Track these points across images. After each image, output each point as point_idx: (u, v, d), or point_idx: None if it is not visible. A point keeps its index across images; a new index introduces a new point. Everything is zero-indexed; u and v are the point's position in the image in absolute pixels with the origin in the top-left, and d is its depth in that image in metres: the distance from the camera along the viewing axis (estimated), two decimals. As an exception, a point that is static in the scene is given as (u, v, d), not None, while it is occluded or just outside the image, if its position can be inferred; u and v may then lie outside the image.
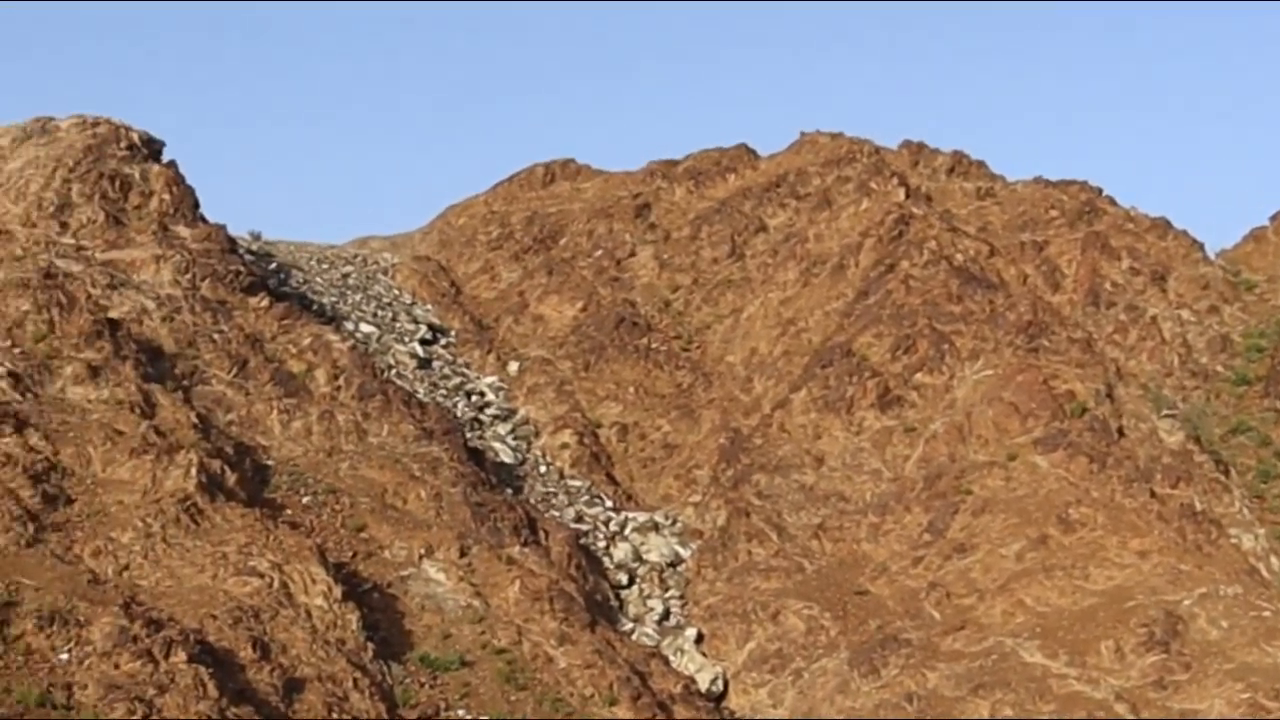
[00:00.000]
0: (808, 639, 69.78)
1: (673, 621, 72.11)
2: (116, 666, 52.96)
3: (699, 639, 70.96)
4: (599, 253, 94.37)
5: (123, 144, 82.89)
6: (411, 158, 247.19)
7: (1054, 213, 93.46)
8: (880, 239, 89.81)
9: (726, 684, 69.20)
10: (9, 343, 67.37)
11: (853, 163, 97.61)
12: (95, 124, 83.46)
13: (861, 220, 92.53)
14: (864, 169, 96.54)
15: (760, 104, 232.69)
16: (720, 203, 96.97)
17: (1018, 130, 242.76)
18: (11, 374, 65.43)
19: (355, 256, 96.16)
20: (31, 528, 58.62)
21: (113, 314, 71.89)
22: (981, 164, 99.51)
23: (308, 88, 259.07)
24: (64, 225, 78.24)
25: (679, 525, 77.98)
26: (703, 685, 67.69)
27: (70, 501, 60.98)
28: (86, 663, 52.94)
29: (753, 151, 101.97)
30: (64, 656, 52.90)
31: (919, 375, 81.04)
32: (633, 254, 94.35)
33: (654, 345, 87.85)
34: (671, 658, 68.77)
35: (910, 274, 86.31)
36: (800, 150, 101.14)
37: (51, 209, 78.59)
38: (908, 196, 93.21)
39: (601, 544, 75.57)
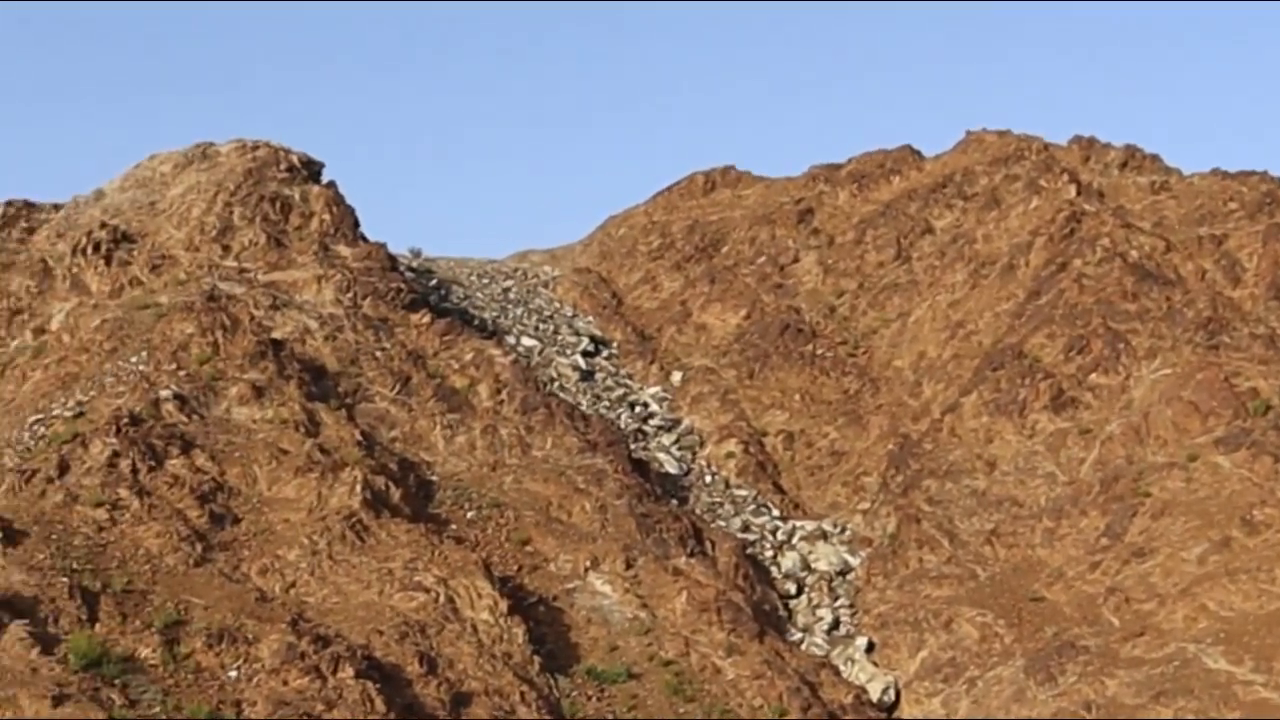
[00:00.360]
0: (982, 647, 69.11)
1: (842, 631, 71.92)
2: (285, 683, 54.24)
3: (870, 648, 70.67)
4: (761, 259, 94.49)
5: (282, 166, 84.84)
6: (571, 170, 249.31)
7: (1233, 205, 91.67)
8: (1051, 237, 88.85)
9: (898, 694, 68.80)
10: (175, 365, 69.27)
11: (1021, 160, 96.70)
12: (255, 147, 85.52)
13: (1031, 219, 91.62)
14: (1033, 166, 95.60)
15: (925, 104, 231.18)
16: (885, 205, 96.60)
17: (1193, 123, 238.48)
18: (178, 396, 67.28)
19: (515, 270, 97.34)
20: (199, 547, 60.26)
21: (276, 334, 73.59)
22: (1155, 157, 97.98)
23: (464, 103, 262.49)
24: (226, 248, 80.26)
25: (848, 533, 77.77)
26: (874, 695, 67.40)
27: (237, 521, 62.55)
28: (255, 680, 54.28)
29: (917, 152, 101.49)
30: (233, 674, 54.29)
31: (1094, 376, 79.99)
32: (796, 260, 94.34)
33: (819, 351, 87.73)
34: (842, 668, 68.57)
35: (1083, 272, 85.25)
36: (966, 149, 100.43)
37: (214, 233, 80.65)
38: (1079, 193, 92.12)
39: (769, 553, 75.63)
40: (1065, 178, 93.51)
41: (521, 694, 58.14)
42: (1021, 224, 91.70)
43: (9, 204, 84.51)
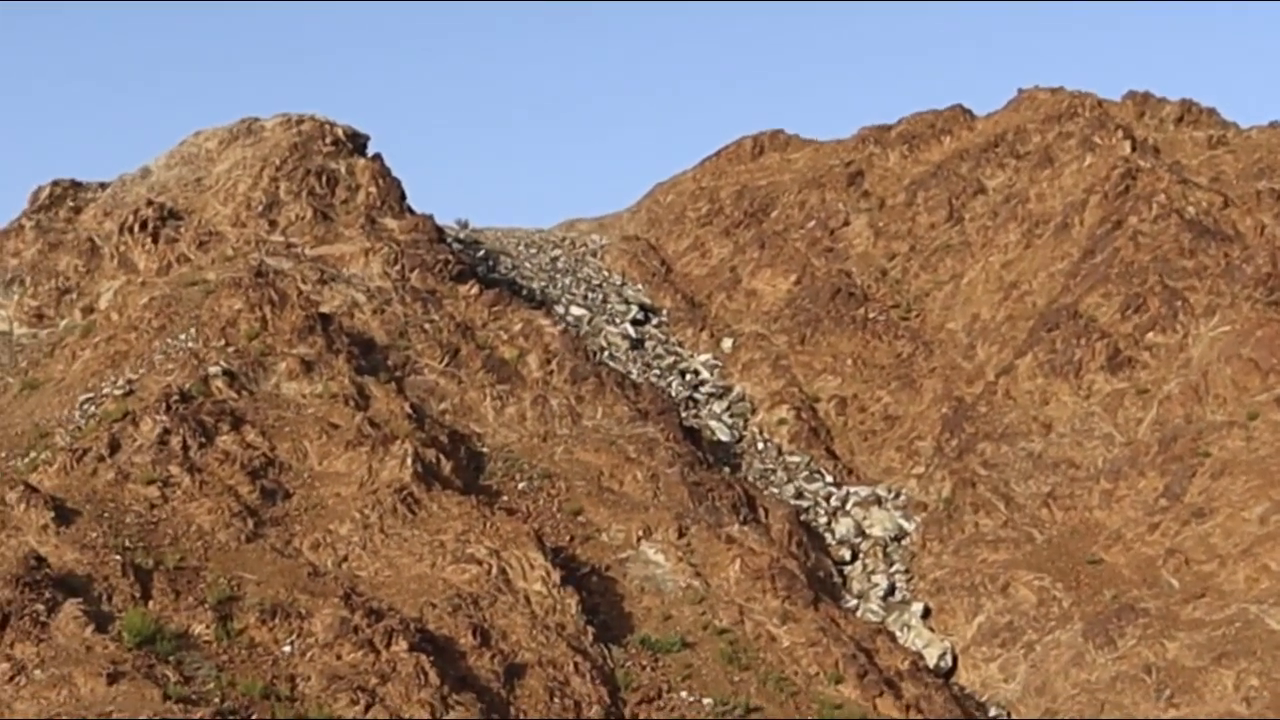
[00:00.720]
0: (1039, 611, 69.17)
1: (898, 597, 72.08)
2: (339, 657, 54.77)
3: (926, 614, 70.83)
4: (811, 223, 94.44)
5: (328, 140, 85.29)
6: (618, 137, 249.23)
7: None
8: (1106, 195, 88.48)
9: (955, 659, 68.97)
10: (223, 342, 69.88)
11: (1074, 117, 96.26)
12: (300, 121, 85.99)
13: (1085, 176, 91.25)
14: (1086, 123, 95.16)
15: (976, 63, 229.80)
16: (936, 166, 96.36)
17: (1251, 74, 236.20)
18: (227, 372, 67.89)
19: (563, 240, 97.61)
20: (251, 523, 60.88)
21: (324, 309, 74.11)
22: (1212, 111, 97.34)
23: (510, 72, 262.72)
24: (273, 223, 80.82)
25: (902, 498, 77.85)
26: (931, 661, 67.57)
27: (288, 496, 63.13)
28: (309, 654, 54.83)
29: (968, 112, 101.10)
30: (287, 649, 54.86)
31: (1151, 335, 79.72)
32: (846, 223, 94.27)
33: (871, 315, 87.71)
34: (898, 633, 68.73)
35: (1139, 230, 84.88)
36: (1018, 108, 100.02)
37: (260, 208, 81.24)
38: (1134, 149, 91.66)
39: (823, 520, 75.81)
40: (1120, 134, 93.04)
41: (575, 665, 58.52)
42: (1075, 182, 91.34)
43: (56, 184, 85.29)
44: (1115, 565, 70.97)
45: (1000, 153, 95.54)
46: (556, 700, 57.11)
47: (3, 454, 65.62)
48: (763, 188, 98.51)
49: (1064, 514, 73.92)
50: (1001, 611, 69.67)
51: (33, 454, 64.43)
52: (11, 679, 50.10)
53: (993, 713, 66.00)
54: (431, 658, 55.06)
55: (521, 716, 56.01)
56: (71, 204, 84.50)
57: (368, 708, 52.78)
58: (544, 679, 57.67)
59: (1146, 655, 65.26)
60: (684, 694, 59.34)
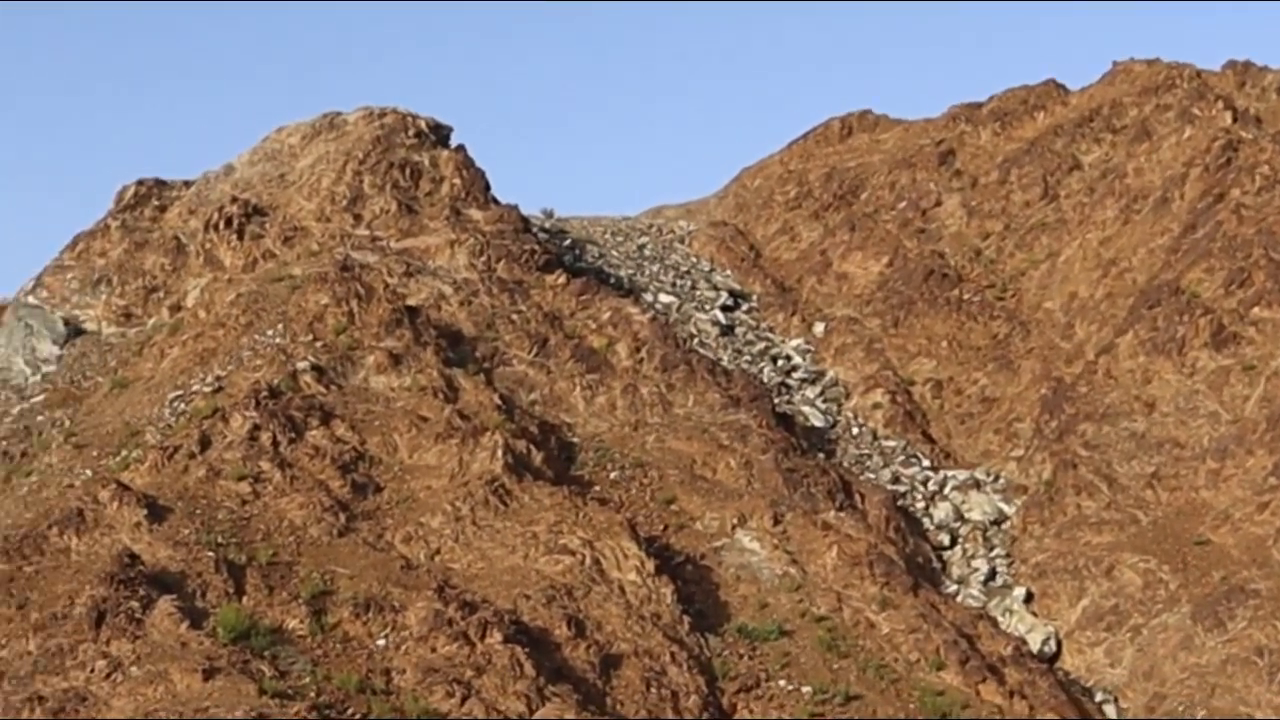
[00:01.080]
0: (1145, 594, 68.77)
1: (999, 581, 71.86)
2: (433, 650, 55.42)
3: (1028, 598, 70.55)
4: (903, 204, 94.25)
5: (410, 132, 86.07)
6: (702, 122, 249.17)
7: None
8: (1207, 168, 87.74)
9: (1059, 644, 68.67)
10: (311, 337, 70.76)
11: (1172, 89, 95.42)
12: (382, 114, 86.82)
13: (1185, 149, 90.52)
14: (1185, 95, 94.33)
15: (1068, 38, 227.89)
16: (1029, 143, 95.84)
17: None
18: (315, 367, 68.76)
19: (650, 227, 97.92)
20: (343, 517, 61.65)
21: (411, 301, 74.87)
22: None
23: (592, 59, 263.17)
24: (357, 217, 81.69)
25: (1001, 481, 77.60)
26: (1034, 646, 67.34)
27: (379, 489, 63.88)
28: (403, 647, 55.52)
29: (1062, 86, 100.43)
30: (381, 642, 55.57)
31: (1256, 310, 78.99)
32: (938, 203, 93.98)
33: (966, 296, 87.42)
34: (1000, 619, 68.54)
35: (1242, 203, 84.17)
36: (1114, 81, 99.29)
37: (344, 202, 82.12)
38: (1235, 120, 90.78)
39: (920, 505, 75.72)
40: (1220, 105, 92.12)
41: (672, 654, 58.85)
42: (1174, 155, 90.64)
43: (140, 183, 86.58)
44: (1223, 546, 70.43)
45: (1096, 127, 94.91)
46: (653, 690, 57.47)
47: (95, 452, 66.83)
48: (852, 169, 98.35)
49: (1169, 494, 73.43)
50: (1106, 595, 69.32)
51: (124, 452, 65.56)
52: (108, 676, 51.04)
53: (1099, 698, 65.71)
54: (526, 649, 55.57)
55: (618, 707, 56.41)
56: (156, 203, 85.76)
57: (463, 700, 53.36)
58: (640, 669, 58.05)
59: (1258, 637, 64.74)
60: (782, 682, 59.54)
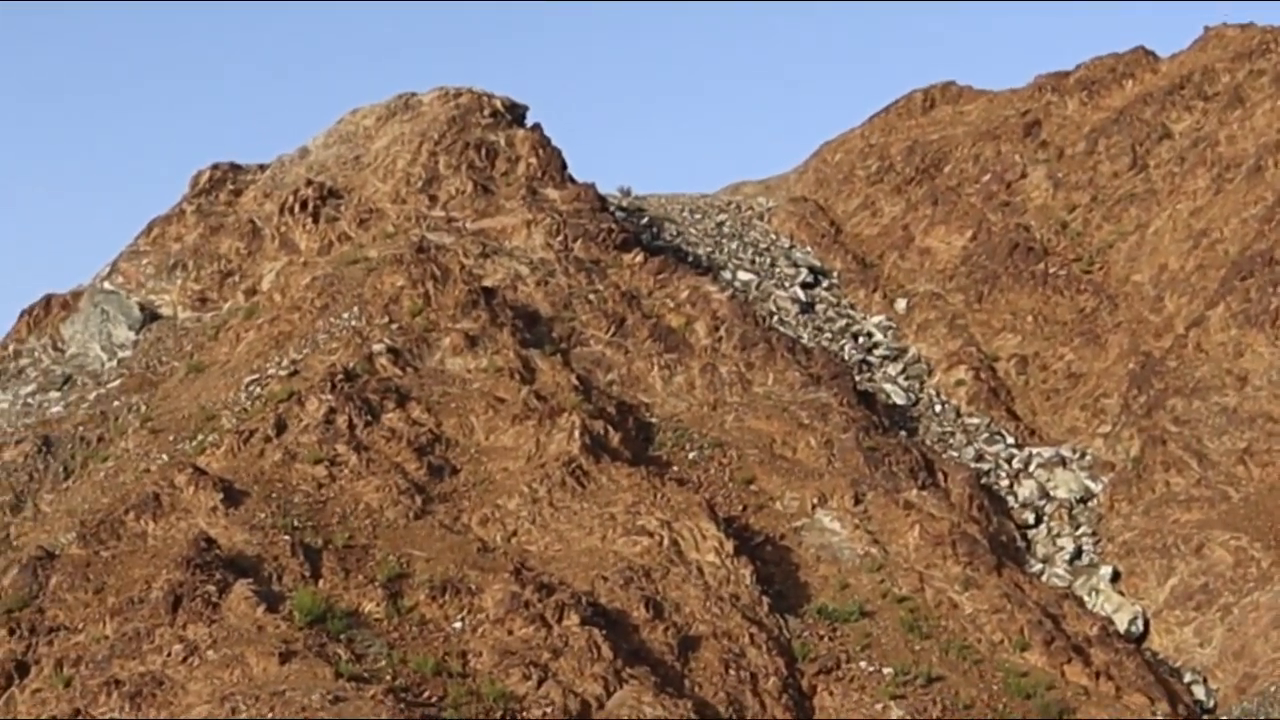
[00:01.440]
0: (1236, 572, 68.34)
1: (1085, 560, 71.65)
2: (510, 633, 55.98)
3: (1115, 577, 70.29)
4: (987, 177, 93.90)
5: (486, 112, 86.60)
6: (781, 96, 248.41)
7: None
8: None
9: (1147, 624, 68.40)
10: (386, 319, 71.49)
11: (1266, 54, 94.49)
12: (457, 95, 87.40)
13: (1279, 116, 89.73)
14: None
15: (1160, 2, 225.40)
16: (1118, 112, 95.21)
17: None
18: (391, 350, 69.49)
19: (729, 204, 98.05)
20: (419, 500, 62.34)
21: (487, 282, 75.46)
22: None
23: (667, 35, 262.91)
24: (433, 198, 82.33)
25: (1088, 458, 77.30)
26: (1121, 626, 67.12)
27: (455, 471, 64.52)
28: (480, 630, 56.13)
29: (1151, 54, 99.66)
30: (457, 625, 56.21)
31: (1354, 280, 78.31)
32: (1023, 175, 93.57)
33: (1052, 270, 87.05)
34: (1086, 598, 68.37)
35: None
36: (1205, 47, 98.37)
37: (420, 183, 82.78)
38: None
39: (1004, 483, 75.56)
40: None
41: (751, 636, 59.13)
42: (1269, 122, 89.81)
43: (215, 167, 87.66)
44: (1319, 523, 69.96)
45: (1187, 95, 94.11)
46: (732, 672, 57.80)
47: (171, 437, 67.91)
48: (934, 142, 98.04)
49: (1261, 470, 72.90)
50: (1196, 573, 68.96)
51: (200, 436, 66.58)
52: (185, 660, 51.98)
53: (1188, 678, 65.38)
54: (604, 631, 56.02)
55: (696, 689, 56.75)
56: (231, 187, 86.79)
57: (540, 683, 53.89)
58: (719, 651, 58.36)
59: (1353, 615, 64.31)
60: (863, 664, 59.68)
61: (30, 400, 75.93)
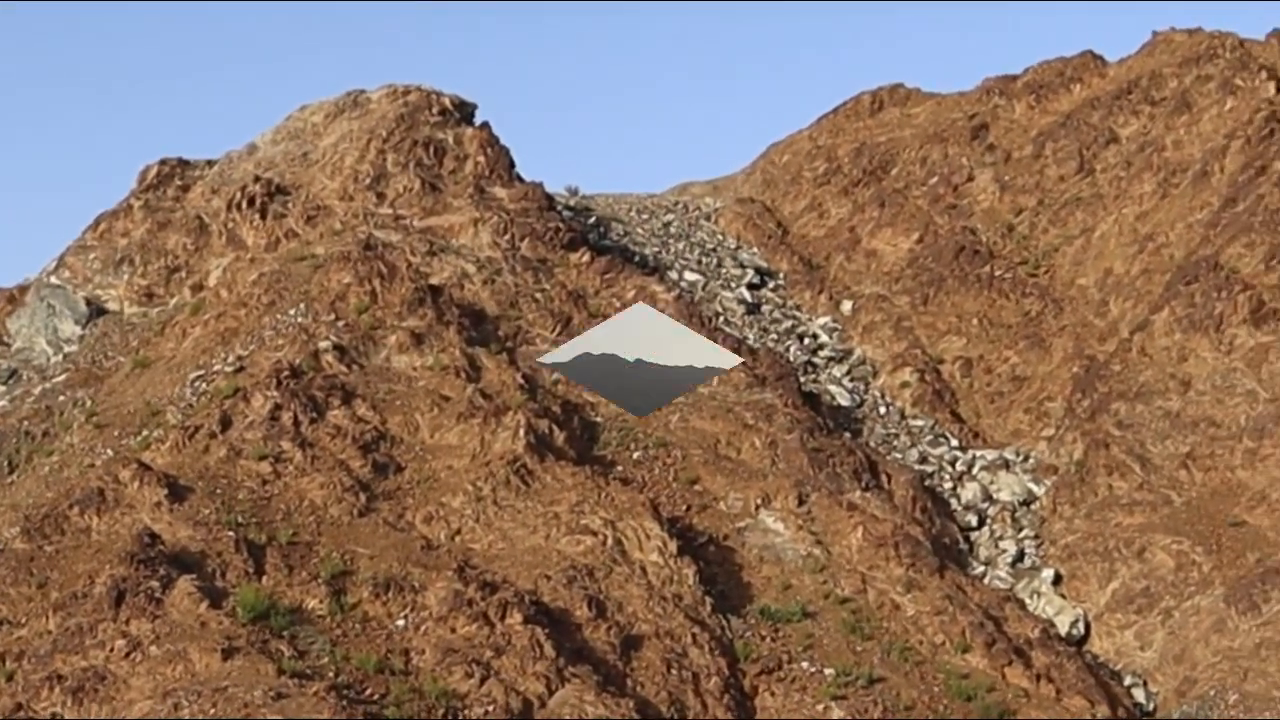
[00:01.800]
0: (1178, 576, 69.36)
1: (1027, 563, 72.60)
2: (453, 630, 56.60)
3: (1057, 580, 71.25)
4: (934, 180, 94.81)
5: (434, 110, 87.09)
6: (729, 97, 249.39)
7: None
8: (1249, 140, 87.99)
9: (1088, 627, 69.35)
10: (333, 316, 71.97)
11: (1214, 59, 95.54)
12: (406, 92, 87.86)
13: (1226, 121, 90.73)
14: (1227, 65, 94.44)
15: (1106, 8, 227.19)
16: (1065, 116, 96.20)
17: None
18: (337, 347, 69.98)
19: (676, 204, 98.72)
20: (363, 497, 62.89)
21: (433, 280, 75.99)
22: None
23: (615, 35, 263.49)
24: (380, 196, 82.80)
25: (1031, 461, 78.29)
26: (1062, 629, 68.10)
27: (400, 469, 65.08)
28: (423, 628, 56.71)
29: (1099, 58, 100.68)
30: (400, 623, 56.79)
31: (1297, 286, 79.41)
32: (970, 178, 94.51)
33: (998, 273, 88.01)
34: (1028, 601, 69.29)
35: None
36: (1153, 51, 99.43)
37: (367, 181, 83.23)
38: (1279, 91, 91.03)
39: (948, 485, 76.47)
40: (1263, 75, 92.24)
41: (693, 636, 59.85)
42: (1215, 127, 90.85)
43: (163, 163, 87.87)
44: (1259, 528, 70.91)
45: (1134, 99, 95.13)
46: (674, 672, 58.51)
47: (116, 432, 68.27)
48: (882, 144, 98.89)
49: (1204, 475, 73.93)
50: (1137, 577, 69.93)
51: (145, 432, 66.97)
52: (128, 655, 52.46)
53: (1128, 681, 66.38)
54: (547, 630, 56.66)
55: (638, 689, 57.44)
56: (179, 183, 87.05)
57: (482, 681, 54.53)
58: (661, 650, 59.06)
59: (1291, 620, 65.29)
60: (805, 664, 60.45)
61: (-27, 394, 76.16)
